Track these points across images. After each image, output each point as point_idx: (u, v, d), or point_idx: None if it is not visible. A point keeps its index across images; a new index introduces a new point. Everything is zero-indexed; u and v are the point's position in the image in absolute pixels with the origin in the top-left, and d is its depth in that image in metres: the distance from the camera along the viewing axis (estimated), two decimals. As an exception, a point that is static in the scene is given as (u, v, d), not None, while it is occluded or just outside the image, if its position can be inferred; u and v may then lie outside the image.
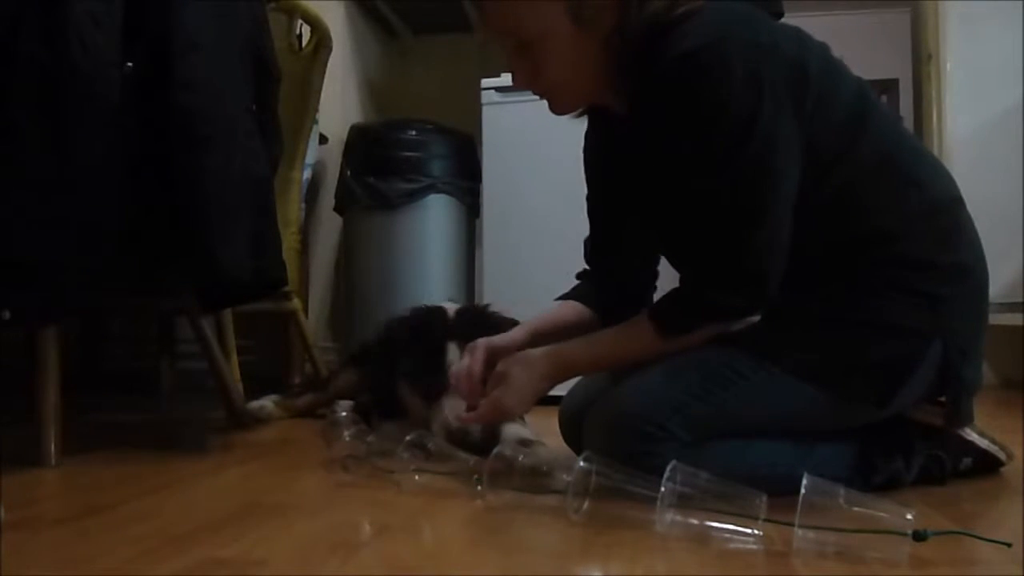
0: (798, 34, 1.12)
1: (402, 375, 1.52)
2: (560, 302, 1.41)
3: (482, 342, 1.30)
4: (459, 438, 1.33)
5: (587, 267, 1.45)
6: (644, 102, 1.11)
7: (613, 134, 1.28)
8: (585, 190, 1.44)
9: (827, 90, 1.09)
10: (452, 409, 1.37)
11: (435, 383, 1.43)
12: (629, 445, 1.08)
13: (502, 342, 1.30)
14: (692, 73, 1.03)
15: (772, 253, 1.08)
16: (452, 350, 1.44)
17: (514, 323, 1.60)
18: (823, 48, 1.15)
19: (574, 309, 1.38)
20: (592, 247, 1.43)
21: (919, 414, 1.19)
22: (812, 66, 1.09)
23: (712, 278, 1.10)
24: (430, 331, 1.49)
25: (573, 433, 1.33)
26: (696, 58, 1.02)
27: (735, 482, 0.91)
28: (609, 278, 1.40)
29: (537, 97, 1.21)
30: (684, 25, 1.06)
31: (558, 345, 1.22)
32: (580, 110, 1.30)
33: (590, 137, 1.40)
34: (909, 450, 1.17)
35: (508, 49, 1.16)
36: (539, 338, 1.31)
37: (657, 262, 1.41)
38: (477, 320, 1.53)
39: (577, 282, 1.44)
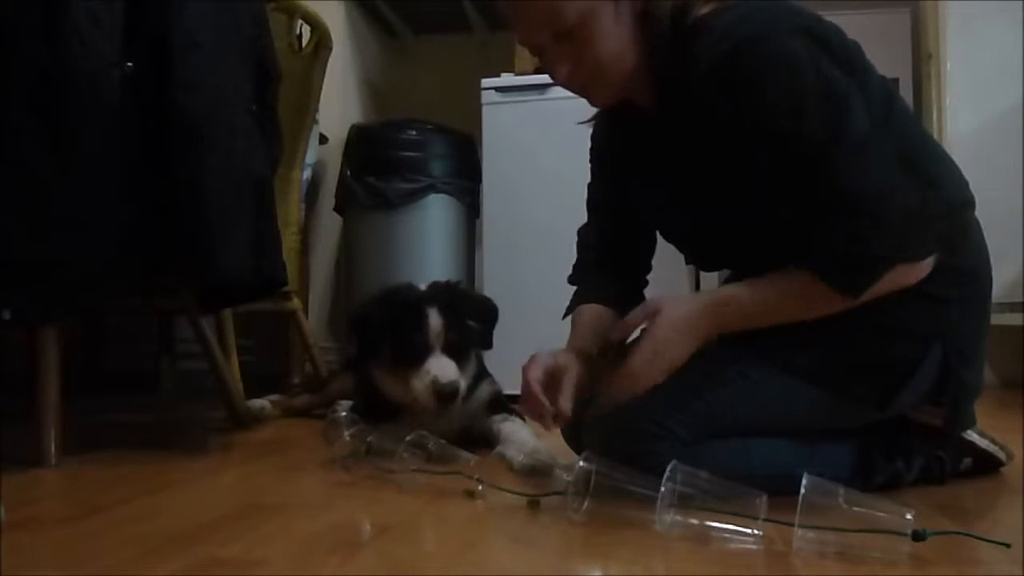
0: (835, 27, 1.12)
1: (383, 351, 1.51)
2: (585, 308, 1.32)
3: (539, 357, 1.19)
4: (448, 394, 1.40)
5: (583, 260, 1.40)
6: (705, 91, 1.08)
7: (633, 130, 1.26)
8: (582, 190, 1.43)
9: (862, 83, 1.09)
10: (440, 368, 1.41)
11: (420, 346, 1.44)
12: (629, 443, 1.08)
13: (558, 360, 1.19)
14: (761, 61, 1.03)
15: (894, 190, 1.04)
16: (432, 315, 1.45)
17: (485, 299, 1.66)
18: (855, 43, 1.15)
19: (603, 312, 1.30)
20: (600, 239, 1.39)
21: (920, 415, 1.19)
22: (855, 56, 1.10)
23: (859, 229, 1.04)
24: (408, 300, 1.50)
25: (573, 433, 1.33)
26: (758, 46, 1.03)
27: (735, 481, 0.91)
28: (619, 270, 1.36)
29: (570, 93, 1.18)
30: (725, 13, 1.06)
31: (710, 303, 1.12)
32: (596, 113, 1.29)
33: (602, 131, 1.38)
34: (909, 451, 1.18)
35: (545, 44, 1.12)
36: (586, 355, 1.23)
37: (652, 255, 1.40)
38: (449, 292, 1.54)
39: (576, 279, 1.39)
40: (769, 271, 1.10)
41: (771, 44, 1.03)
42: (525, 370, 1.17)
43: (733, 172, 1.11)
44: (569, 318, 1.34)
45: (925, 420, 1.19)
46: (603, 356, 1.20)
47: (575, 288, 1.38)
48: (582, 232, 1.42)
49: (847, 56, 1.08)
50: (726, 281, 1.30)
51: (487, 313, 1.59)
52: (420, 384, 1.43)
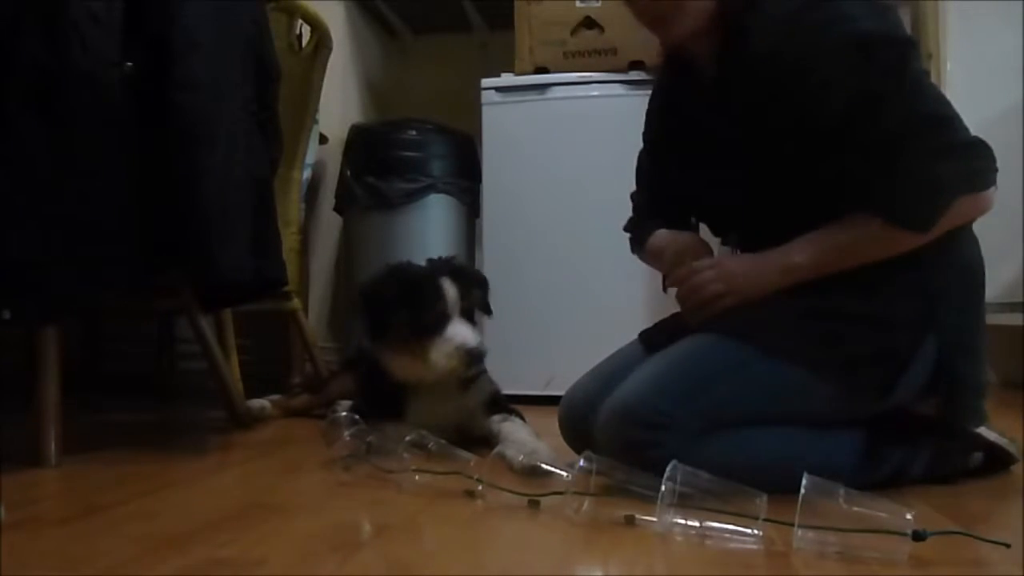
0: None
1: (394, 327, 1.53)
2: (662, 232, 1.38)
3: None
4: (475, 357, 1.46)
5: (639, 211, 1.48)
6: (772, 38, 1.12)
7: (686, 93, 1.30)
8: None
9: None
10: (462, 333, 1.46)
11: (440, 316, 1.48)
12: (634, 434, 1.08)
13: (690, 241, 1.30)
14: (831, 9, 1.08)
15: (952, 119, 1.10)
16: (447, 284, 1.49)
17: (476, 271, 1.73)
18: None
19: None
20: (656, 204, 1.44)
21: (924, 408, 1.20)
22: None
23: (924, 159, 1.08)
24: (420, 273, 1.54)
25: (573, 433, 1.33)
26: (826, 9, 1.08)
27: (738, 471, 0.91)
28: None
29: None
30: None
31: (778, 252, 1.17)
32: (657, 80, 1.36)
33: (663, 92, 1.41)
34: (915, 443, 1.19)
35: None
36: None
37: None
38: (452, 265, 1.59)
39: (633, 224, 1.47)
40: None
41: (836, 12, 1.09)
42: (665, 259, 1.29)
43: (788, 125, 1.13)
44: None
45: (930, 413, 1.20)
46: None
47: (636, 229, 1.45)
48: (634, 195, 1.50)
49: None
50: None
51: (481, 282, 1.66)
52: (443, 352, 1.46)
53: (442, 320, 1.48)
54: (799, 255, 1.14)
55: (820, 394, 1.13)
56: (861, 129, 1.09)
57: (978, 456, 1.24)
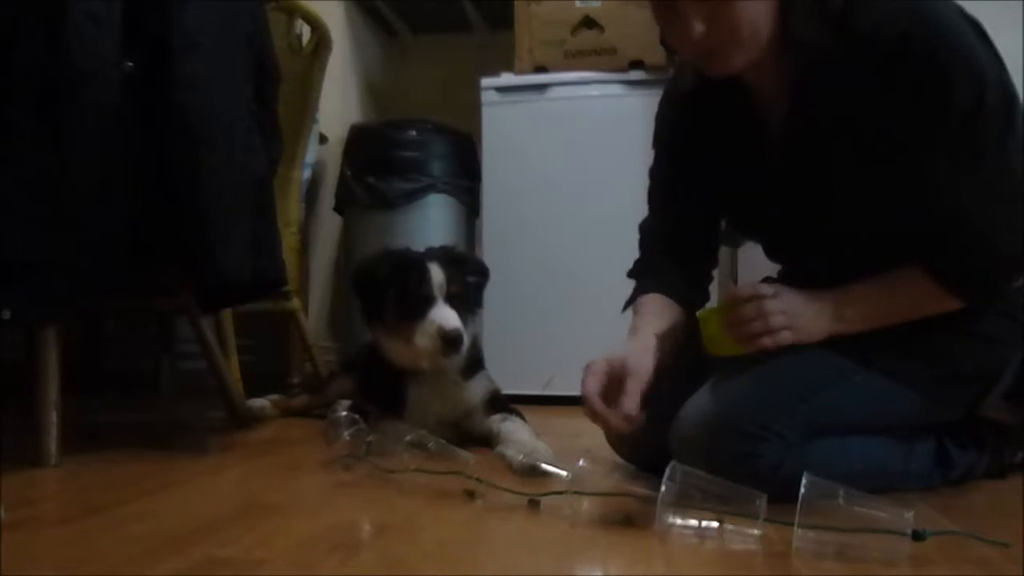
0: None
1: (386, 308, 1.55)
2: (651, 297, 1.26)
3: (593, 366, 1.12)
4: (452, 340, 1.46)
5: (646, 253, 1.34)
6: (867, 67, 1.04)
7: (729, 109, 1.20)
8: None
9: None
10: (443, 316, 1.48)
11: (424, 298, 1.51)
12: (733, 446, 1.07)
13: (613, 364, 1.11)
14: (947, 52, 1.00)
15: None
16: (434, 268, 1.52)
17: (478, 259, 1.71)
18: None
19: (670, 305, 1.26)
20: (665, 228, 1.33)
21: (992, 412, 1.24)
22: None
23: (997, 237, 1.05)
24: (410, 256, 1.58)
25: (633, 446, 1.28)
26: (940, 36, 1.01)
27: (834, 480, 0.87)
28: (685, 262, 1.30)
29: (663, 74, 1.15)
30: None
31: (831, 298, 1.11)
32: (668, 94, 1.28)
33: (679, 111, 1.30)
34: (981, 444, 1.22)
35: (680, 4, 1.04)
36: (664, 344, 1.18)
37: (718, 250, 1.36)
38: (447, 252, 1.62)
39: (637, 272, 1.33)
40: (866, 267, 1.10)
41: (951, 36, 1.01)
42: (583, 384, 1.10)
43: (861, 155, 1.07)
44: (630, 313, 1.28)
45: (997, 417, 1.24)
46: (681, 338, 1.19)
47: (636, 281, 1.33)
48: (644, 225, 1.37)
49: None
50: (777, 280, 1.29)
51: (481, 271, 1.68)
52: (425, 334, 1.48)
53: (426, 303, 1.50)
54: (851, 309, 1.10)
55: (912, 405, 1.15)
56: (946, 174, 1.04)
57: (1021, 454, 1.29)
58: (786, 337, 1.08)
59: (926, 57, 1.00)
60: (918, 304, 1.10)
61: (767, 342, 1.08)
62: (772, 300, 1.08)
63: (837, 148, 1.09)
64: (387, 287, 1.53)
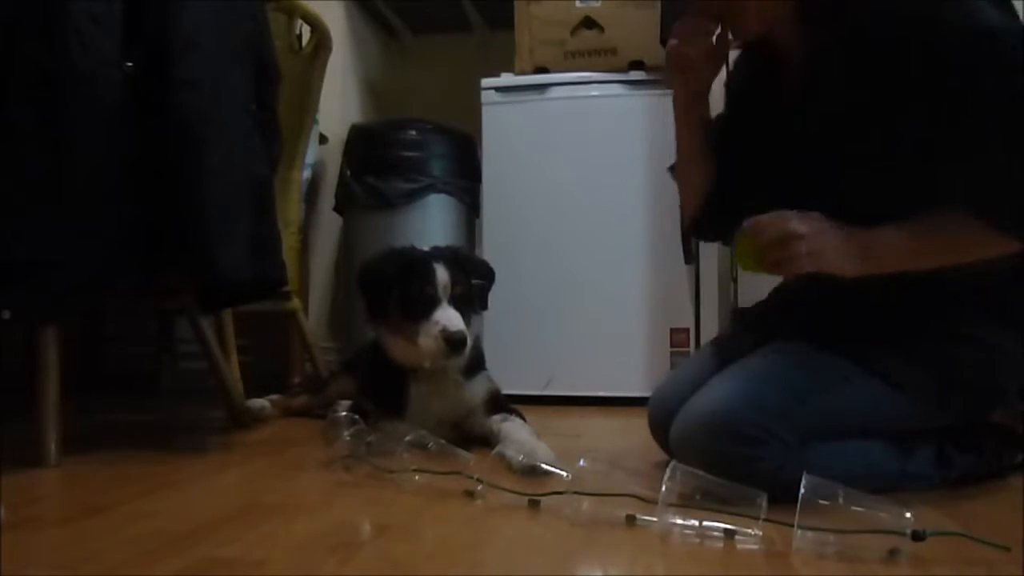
0: None
1: (390, 307, 1.55)
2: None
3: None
4: (456, 342, 1.45)
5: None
6: (873, 25, 1.06)
7: (767, 71, 1.25)
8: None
9: None
10: (447, 318, 1.48)
11: (428, 298, 1.50)
12: (733, 449, 1.07)
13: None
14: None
15: None
16: (439, 269, 1.51)
17: (483, 261, 1.71)
18: None
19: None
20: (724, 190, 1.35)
21: (994, 416, 1.24)
22: None
23: None
24: (415, 256, 1.57)
25: (665, 437, 1.29)
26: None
27: (836, 481, 0.87)
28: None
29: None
30: None
31: (860, 234, 1.07)
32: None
33: (740, 70, 1.36)
34: (981, 446, 1.22)
35: None
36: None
37: None
38: (452, 252, 1.61)
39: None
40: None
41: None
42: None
43: (878, 107, 1.08)
44: None
45: (999, 420, 1.25)
46: None
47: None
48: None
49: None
50: None
51: (486, 274, 1.68)
52: (428, 335, 1.48)
53: (431, 303, 1.50)
54: (880, 247, 1.06)
55: (911, 410, 1.15)
56: (973, 117, 1.02)
57: (1021, 456, 1.29)
58: (805, 266, 1.05)
59: (936, 26, 1.01)
60: (959, 248, 1.05)
61: (784, 270, 1.07)
62: (797, 223, 1.05)
63: (848, 119, 1.11)
64: (392, 286, 1.53)
